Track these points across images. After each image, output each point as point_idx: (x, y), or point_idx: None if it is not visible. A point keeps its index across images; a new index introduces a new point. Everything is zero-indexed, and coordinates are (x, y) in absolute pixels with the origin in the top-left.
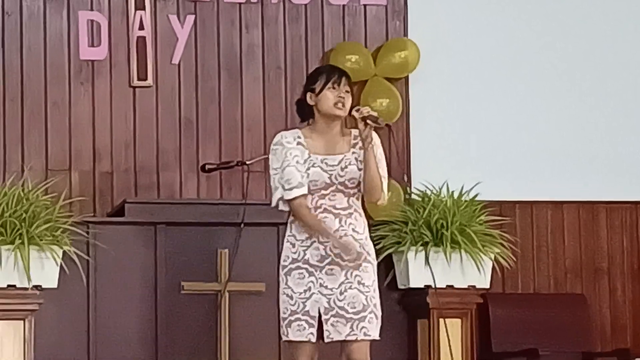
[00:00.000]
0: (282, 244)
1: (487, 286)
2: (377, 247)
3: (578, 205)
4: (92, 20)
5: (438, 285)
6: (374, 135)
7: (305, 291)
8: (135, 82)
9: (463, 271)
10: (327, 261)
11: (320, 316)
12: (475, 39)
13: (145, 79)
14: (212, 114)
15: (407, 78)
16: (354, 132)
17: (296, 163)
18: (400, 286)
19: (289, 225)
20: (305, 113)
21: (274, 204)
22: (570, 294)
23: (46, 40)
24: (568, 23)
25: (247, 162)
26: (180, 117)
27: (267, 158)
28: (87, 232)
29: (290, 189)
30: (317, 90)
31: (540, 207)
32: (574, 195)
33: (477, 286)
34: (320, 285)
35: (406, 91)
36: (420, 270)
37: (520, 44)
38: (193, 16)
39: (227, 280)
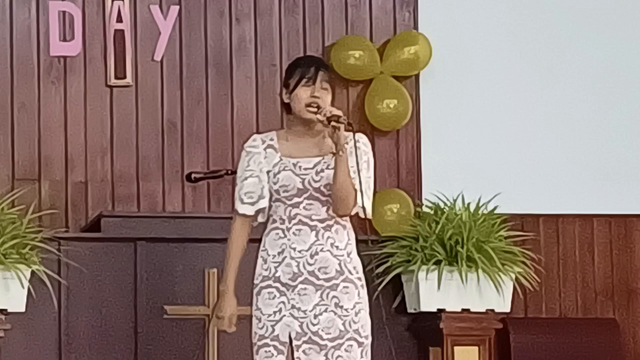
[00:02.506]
0: None
1: (508, 310)
2: (385, 265)
3: (609, 218)
4: (64, 12)
5: (452, 309)
6: (363, 138)
7: (275, 313)
8: (113, 81)
9: (480, 293)
10: (299, 279)
11: (291, 341)
12: (492, 32)
13: (124, 78)
14: (199, 117)
15: (417, 76)
16: (343, 133)
17: (260, 172)
18: (410, 310)
19: (262, 239)
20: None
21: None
22: (600, 319)
23: (12, 34)
24: (596, 12)
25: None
26: (162, 120)
27: None
28: (59, 250)
29: (251, 203)
30: (291, 87)
31: (567, 221)
32: (605, 208)
33: (496, 310)
34: (292, 306)
35: (416, 91)
36: (432, 292)
37: (544, 37)
38: (177, 7)
39: (215, 303)
